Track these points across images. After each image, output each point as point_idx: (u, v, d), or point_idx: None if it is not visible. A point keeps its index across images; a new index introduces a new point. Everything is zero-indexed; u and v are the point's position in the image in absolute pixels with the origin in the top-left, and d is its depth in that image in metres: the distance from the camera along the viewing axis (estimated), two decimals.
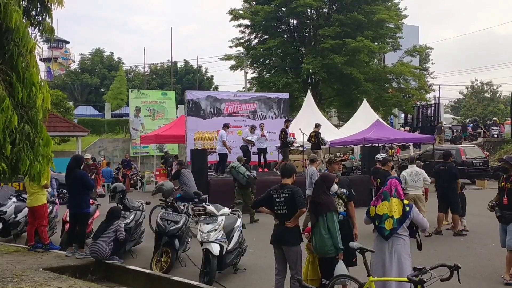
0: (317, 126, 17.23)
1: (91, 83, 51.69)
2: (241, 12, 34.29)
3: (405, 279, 4.27)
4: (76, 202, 8.27)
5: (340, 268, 5.30)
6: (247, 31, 35.23)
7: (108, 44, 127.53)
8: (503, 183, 7.27)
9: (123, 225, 8.10)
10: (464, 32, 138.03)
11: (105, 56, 56.13)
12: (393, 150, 23.82)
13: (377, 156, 12.14)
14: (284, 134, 16.51)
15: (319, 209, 5.56)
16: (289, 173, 5.99)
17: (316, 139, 16.80)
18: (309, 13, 33.97)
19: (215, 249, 6.96)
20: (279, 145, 17.81)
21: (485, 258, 8.49)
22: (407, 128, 31.62)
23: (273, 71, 35.46)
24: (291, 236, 5.77)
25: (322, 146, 17.53)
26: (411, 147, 21.41)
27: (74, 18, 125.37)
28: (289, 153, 17.29)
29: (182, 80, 53.35)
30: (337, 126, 30.92)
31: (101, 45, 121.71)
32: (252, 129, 16.92)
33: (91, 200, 9.80)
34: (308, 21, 34.30)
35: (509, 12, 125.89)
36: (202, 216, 7.42)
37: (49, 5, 5.34)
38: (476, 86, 61.78)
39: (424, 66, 47.72)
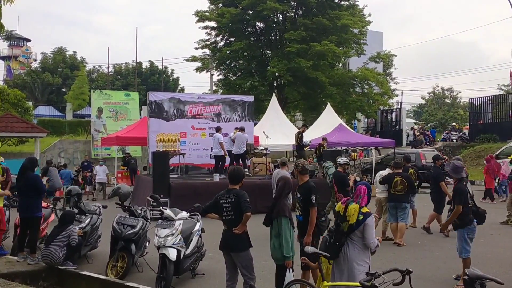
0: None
1: (52, 82, 50.29)
2: (207, 14, 34.17)
3: (358, 284, 4.27)
4: (27, 205, 7.93)
5: (290, 276, 5.27)
6: (213, 33, 35.19)
7: (71, 43, 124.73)
8: None
9: (77, 229, 7.84)
10: (426, 39, 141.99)
11: (67, 55, 54.76)
12: (356, 154, 24.17)
13: (338, 160, 12.23)
14: (300, 137, 16.93)
15: (274, 212, 5.55)
16: (237, 179, 5.85)
17: (319, 152, 17.46)
18: (275, 17, 34.15)
19: (172, 254, 6.82)
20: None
21: (441, 261, 8.65)
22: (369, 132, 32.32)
23: (239, 73, 35.47)
24: (239, 242, 5.68)
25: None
26: (373, 151, 21.77)
27: (36, 16, 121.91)
28: (306, 154, 17.63)
29: (147, 81, 52.66)
30: None
31: (64, 44, 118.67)
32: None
33: (45, 204, 9.49)
34: (274, 25, 34.51)
35: (468, 20, 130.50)
36: (159, 220, 7.25)
37: None
38: (437, 92, 63.57)
39: (387, 71, 48.70)
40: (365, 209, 5.13)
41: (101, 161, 19.74)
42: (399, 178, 10.08)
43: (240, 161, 16.24)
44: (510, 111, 28.15)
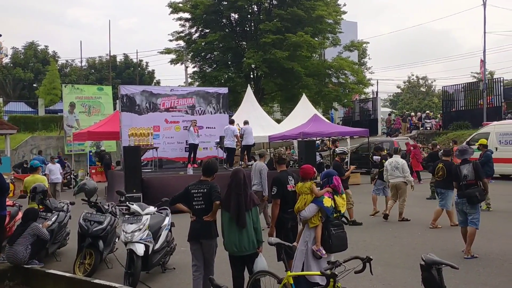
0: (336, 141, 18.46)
1: (24, 78, 49.12)
2: (180, 5, 33.74)
3: (319, 273, 4.27)
4: None
5: (261, 261, 5.25)
6: (187, 24, 34.77)
7: (43, 37, 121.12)
8: None
9: (41, 226, 7.67)
10: (400, 28, 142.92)
11: (39, 50, 53.51)
12: (335, 143, 24.30)
13: (336, 149, 12.64)
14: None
15: (248, 204, 5.48)
16: (210, 172, 5.99)
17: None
18: (250, 8, 33.92)
19: (139, 249, 6.74)
20: (218, 140, 17.76)
21: (410, 248, 8.75)
22: None
23: (214, 65, 35.19)
24: (210, 230, 5.81)
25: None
26: (348, 140, 21.92)
27: (6, 10, 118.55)
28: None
29: (122, 74, 51.89)
30: (279, 121, 31.22)
31: (36, 38, 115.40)
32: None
33: (11, 202, 9.27)
34: (249, 16, 34.27)
35: (442, 9, 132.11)
36: (126, 216, 7.15)
37: None
38: (412, 80, 64.33)
39: (361, 61, 48.99)
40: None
41: (56, 158, 18.71)
42: (441, 165, 10.44)
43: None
44: (481, 99, 28.55)
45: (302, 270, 5.10)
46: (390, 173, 11.62)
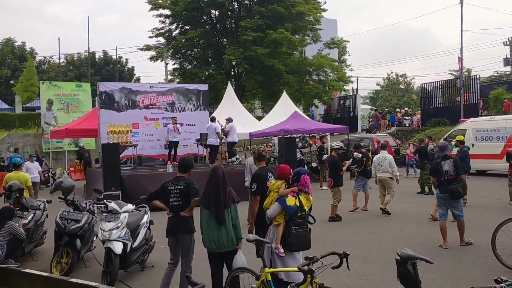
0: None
1: (0, 75, 48.08)
2: (160, 1, 33.48)
3: (296, 269, 4.29)
4: None
5: (240, 258, 5.25)
6: (167, 21, 34.53)
7: (21, 33, 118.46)
8: None
9: (17, 224, 7.54)
10: (380, 25, 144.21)
11: (16, 46, 52.39)
12: (323, 140, 24.40)
13: (332, 145, 12.83)
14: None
15: (227, 201, 5.47)
16: (185, 168, 6.04)
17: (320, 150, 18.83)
18: (231, 5, 33.82)
19: (117, 247, 6.68)
20: (199, 137, 17.68)
21: (388, 243, 8.85)
22: None
23: (195, 62, 35.02)
24: (187, 225, 5.89)
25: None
26: (328, 137, 22.04)
27: None
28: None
29: (101, 71, 51.19)
30: (260, 118, 31.23)
31: (13, 34, 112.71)
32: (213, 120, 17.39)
33: None
34: (229, 13, 34.16)
35: (421, 6, 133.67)
36: (104, 214, 7.08)
37: None
38: (391, 78, 65.04)
39: (341, 58, 49.30)
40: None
41: (34, 156, 18.27)
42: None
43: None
44: (458, 96, 29.00)
45: (270, 267, 5.11)
46: (377, 168, 12.03)
